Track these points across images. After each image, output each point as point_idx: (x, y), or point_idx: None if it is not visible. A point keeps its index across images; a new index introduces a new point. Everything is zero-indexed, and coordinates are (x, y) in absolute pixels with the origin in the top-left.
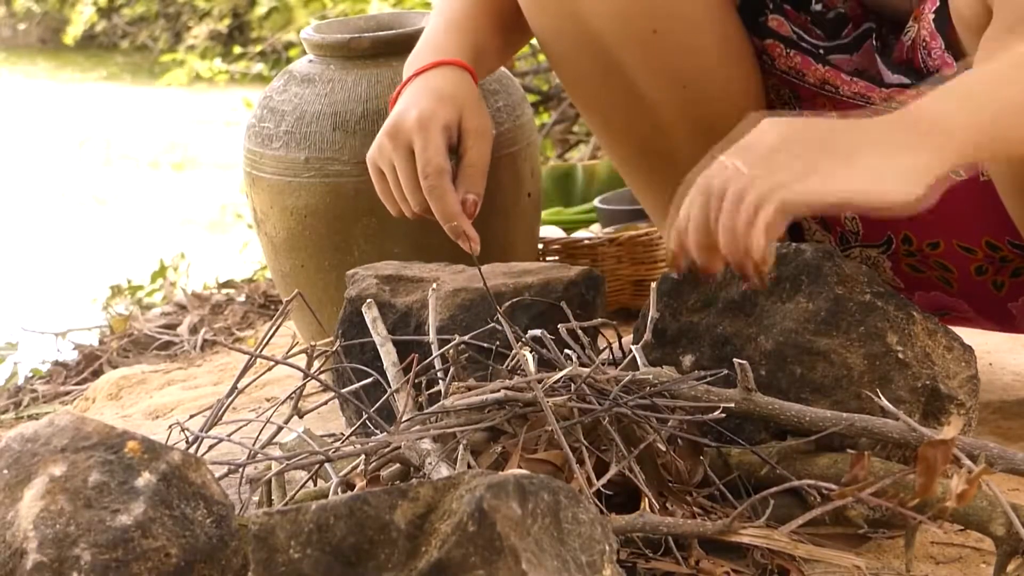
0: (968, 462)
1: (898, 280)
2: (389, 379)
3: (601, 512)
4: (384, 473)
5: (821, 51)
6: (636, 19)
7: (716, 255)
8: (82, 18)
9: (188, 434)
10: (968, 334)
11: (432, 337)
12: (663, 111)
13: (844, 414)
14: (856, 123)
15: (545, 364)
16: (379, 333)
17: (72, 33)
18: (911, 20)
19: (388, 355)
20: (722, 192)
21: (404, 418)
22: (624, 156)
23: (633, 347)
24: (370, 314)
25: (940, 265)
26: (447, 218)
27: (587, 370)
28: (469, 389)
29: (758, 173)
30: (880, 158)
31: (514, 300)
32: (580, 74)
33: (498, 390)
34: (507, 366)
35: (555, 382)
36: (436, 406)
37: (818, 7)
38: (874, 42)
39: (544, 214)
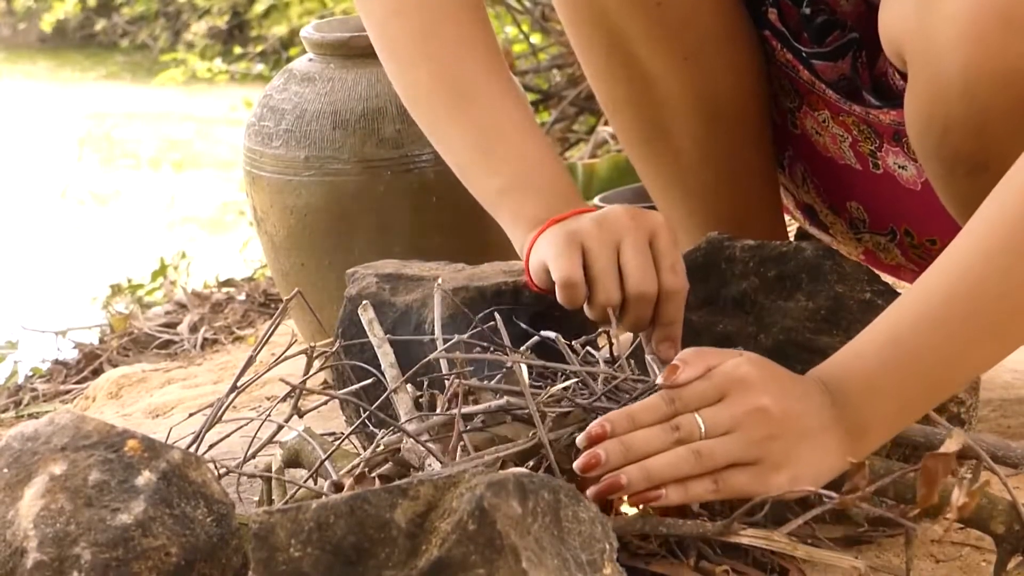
0: (995, 467)
1: (912, 264)
2: (387, 380)
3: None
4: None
5: (804, 55)
6: None
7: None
8: (63, 7)
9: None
10: None
11: (438, 334)
12: (663, 83)
13: None
14: (802, 410)
15: (547, 362)
16: (375, 335)
17: (48, 20)
18: None
19: (385, 356)
20: (683, 435)
21: (404, 420)
22: (624, 128)
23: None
24: (366, 316)
25: None
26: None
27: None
28: (469, 392)
29: (717, 447)
30: (809, 459)
31: (513, 299)
32: (589, 45)
33: (500, 397)
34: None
35: (557, 388)
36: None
37: (807, 10)
38: (858, 56)
39: None
